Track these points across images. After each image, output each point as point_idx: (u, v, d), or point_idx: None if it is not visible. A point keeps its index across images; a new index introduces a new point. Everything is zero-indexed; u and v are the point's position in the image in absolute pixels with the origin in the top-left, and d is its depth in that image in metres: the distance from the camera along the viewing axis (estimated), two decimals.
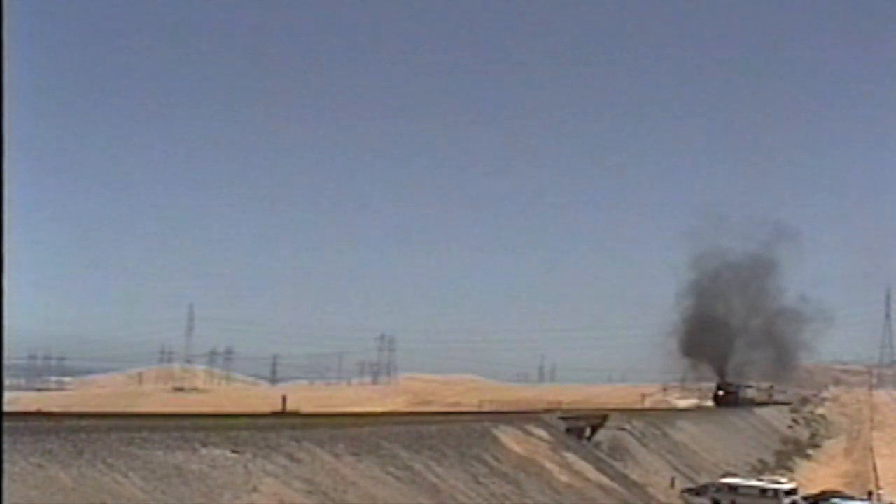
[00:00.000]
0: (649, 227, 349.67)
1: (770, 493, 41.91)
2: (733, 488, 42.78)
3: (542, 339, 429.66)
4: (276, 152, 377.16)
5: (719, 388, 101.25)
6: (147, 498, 17.01)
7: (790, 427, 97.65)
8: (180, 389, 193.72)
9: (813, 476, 60.68)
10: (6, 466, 13.88)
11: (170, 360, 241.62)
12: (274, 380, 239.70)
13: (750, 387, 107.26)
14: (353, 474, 23.97)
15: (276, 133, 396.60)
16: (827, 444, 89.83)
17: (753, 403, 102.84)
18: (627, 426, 52.39)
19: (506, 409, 70.55)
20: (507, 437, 36.72)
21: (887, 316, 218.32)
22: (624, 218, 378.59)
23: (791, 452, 74.37)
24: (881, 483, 54.37)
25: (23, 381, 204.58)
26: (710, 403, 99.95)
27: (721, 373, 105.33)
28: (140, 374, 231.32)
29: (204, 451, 20.19)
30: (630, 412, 60.64)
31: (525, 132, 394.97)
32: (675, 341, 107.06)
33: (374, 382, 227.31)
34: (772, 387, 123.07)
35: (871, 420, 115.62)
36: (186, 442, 20.23)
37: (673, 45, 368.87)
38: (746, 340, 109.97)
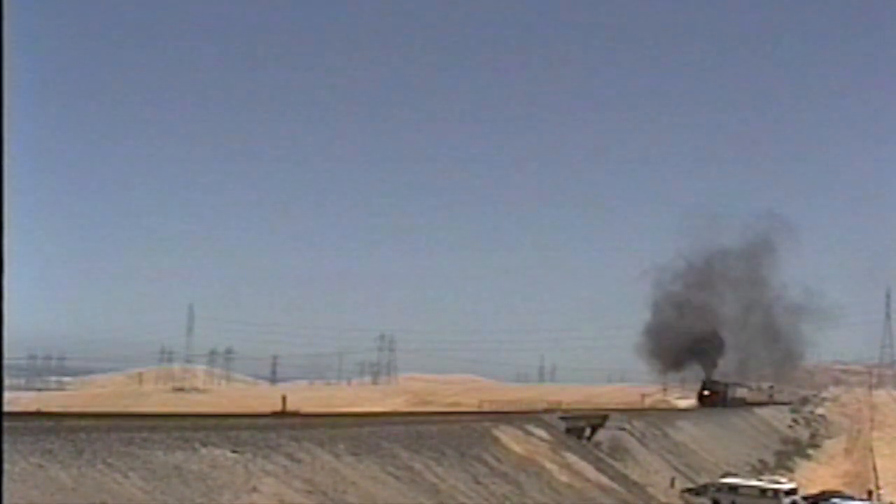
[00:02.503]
0: (650, 227, 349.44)
1: (770, 493, 41.92)
2: (733, 488, 42.78)
3: (542, 339, 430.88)
4: (276, 152, 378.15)
5: (704, 386, 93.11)
6: (147, 498, 17.00)
7: (790, 427, 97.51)
8: (180, 389, 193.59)
9: (813, 476, 60.66)
10: (6, 466, 13.88)
11: (170, 360, 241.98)
12: (274, 380, 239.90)
13: (740, 385, 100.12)
14: (353, 474, 23.96)
15: (276, 133, 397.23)
16: (827, 444, 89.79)
17: (745, 403, 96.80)
18: (627, 426, 52.36)
19: (506, 409, 70.51)
20: (507, 437, 36.71)
21: (887, 316, 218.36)
22: (624, 217, 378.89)
23: (791, 452, 74.37)
24: (881, 483, 54.36)
25: (23, 381, 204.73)
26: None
27: (707, 371, 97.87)
28: (140, 374, 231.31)
29: (204, 451, 20.18)
30: (630, 412, 60.60)
31: (525, 132, 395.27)
32: (654, 338, 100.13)
33: (374, 382, 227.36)
34: (772, 386, 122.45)
35: (871, 420, 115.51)
36: (186, 442, 20.22)
37: (672, 44, 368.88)
38: (746, 337, 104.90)
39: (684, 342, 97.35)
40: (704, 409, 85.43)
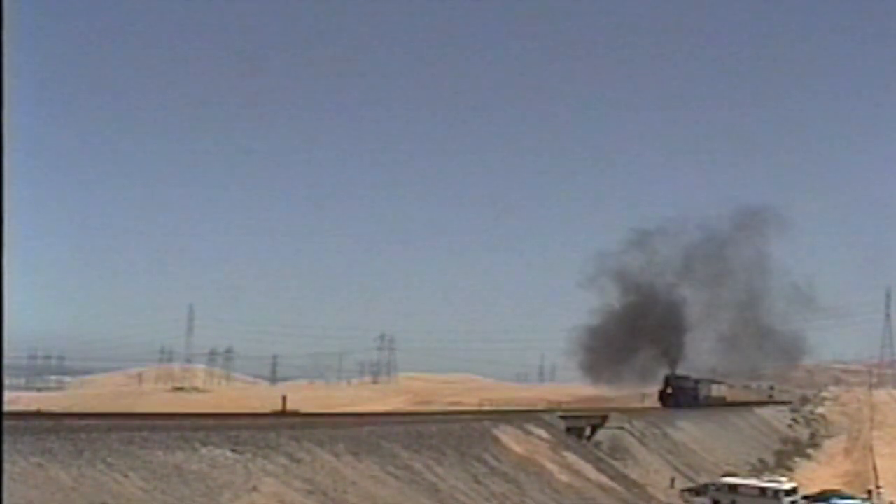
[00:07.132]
0: (650, 225, 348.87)
1: (770, 493, 41.93)
2: (733, 488, 42.78)
3: (542, 339, 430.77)
4: (275, 152, 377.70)
5: (667, 383, 79.22)
6: (147, 498, 17.00)
7: (790, 427, 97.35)
8: (180, 389, 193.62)
9: (813, 476, 60.62)
10: (6, 466, 13.89)
11: (170, 360, 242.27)
12: (274, 380, 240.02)
13: (716, 382, 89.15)
14: (353, 474, 23.97)
15: (275, 133, 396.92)
16: (827, 443, 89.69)
17: (725, 403, 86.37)
18: (627, 426, 52.38)
19: (506, 408, 70.64)
20: (507, 436, 36.73)
21: (887, 315, 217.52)
22: (624, 216, 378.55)
23: (791, 452, 74.29)
24: (881, 483, 54.34)
25: (23, 381, 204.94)
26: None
27: (672, 365, 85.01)
28: (140, 374, 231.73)
29: (204, 451, 20.20)
30: (630, 412, 60.61)
31: (524, 131, 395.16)
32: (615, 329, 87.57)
33: (374, 382, 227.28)
34: (772, 386, 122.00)
35: (871, 420, 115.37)
36: (186, 442, 20.24)
37: (669, 42, 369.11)
38: (746, 336, 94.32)
39: (644, 329, 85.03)
40: (703, 410, 75.92)
